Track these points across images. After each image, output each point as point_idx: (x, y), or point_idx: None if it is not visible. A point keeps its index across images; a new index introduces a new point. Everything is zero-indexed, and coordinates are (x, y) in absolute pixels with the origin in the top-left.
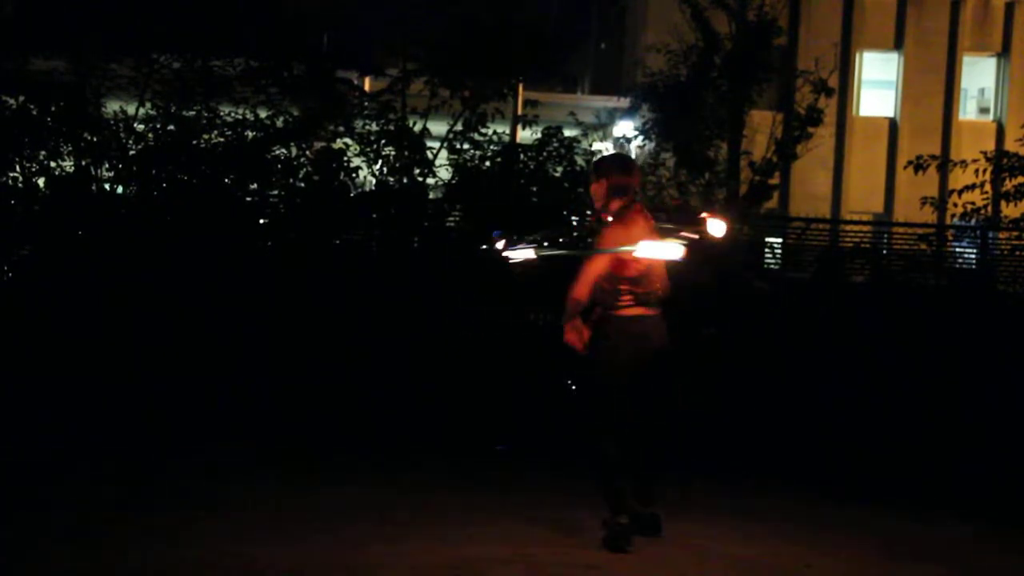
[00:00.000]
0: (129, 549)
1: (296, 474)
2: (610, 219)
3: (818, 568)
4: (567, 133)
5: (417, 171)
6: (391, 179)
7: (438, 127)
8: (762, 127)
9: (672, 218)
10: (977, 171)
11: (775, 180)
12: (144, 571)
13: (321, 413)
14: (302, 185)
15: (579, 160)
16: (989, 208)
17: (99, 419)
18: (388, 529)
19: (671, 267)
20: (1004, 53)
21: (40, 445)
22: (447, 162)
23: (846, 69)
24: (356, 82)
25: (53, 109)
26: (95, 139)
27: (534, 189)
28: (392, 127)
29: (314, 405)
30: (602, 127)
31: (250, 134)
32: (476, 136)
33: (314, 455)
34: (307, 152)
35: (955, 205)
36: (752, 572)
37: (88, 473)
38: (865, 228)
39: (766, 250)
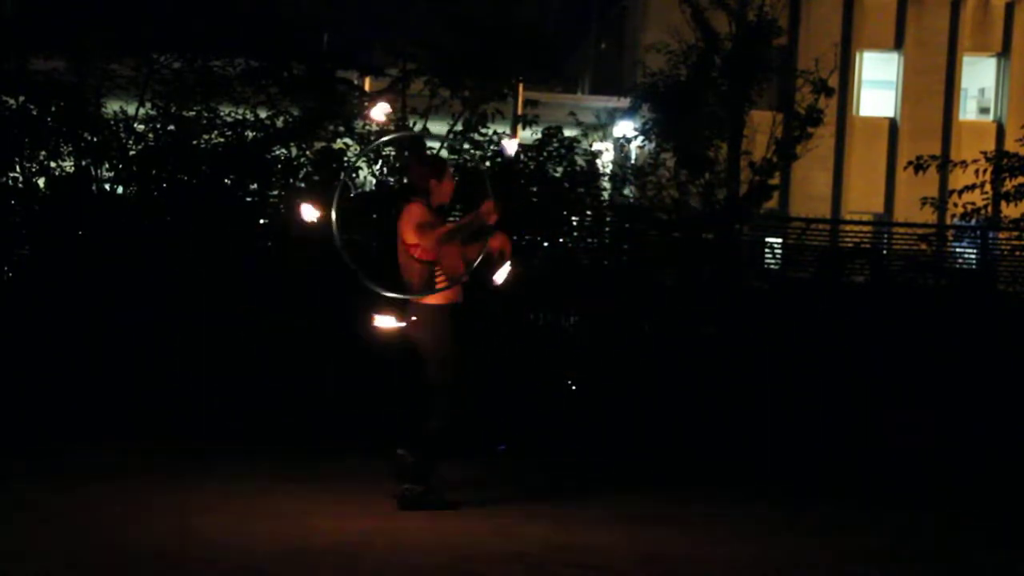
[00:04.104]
0: None
1: (295, 464)
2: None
3: (806, 567)
4: (567, 133)
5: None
6: (391, 179)
7: (438, 127)
8: (762, 127)
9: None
10: (977, 171)
11: (775, 180)
12: None
13: (322, 412)
14: (302, 185)
15: (579, 160)
16: (989, 208)
17: (96, 418)
18: (389, 524)
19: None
20: (1004, 53)
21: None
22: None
23: (846, 69)
24: (356, 82)
25: (53, 109)
26: (95, 139)
27: (534, 189)
28: (392, 127)
29: (315, 405)
30: (602, 127)
31: (250, 134)
32: (476, 136)
33: (315, 448)
34: (307, 152)
35: (955, 205)
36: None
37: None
38: (865, 228)
39: (766, 250)
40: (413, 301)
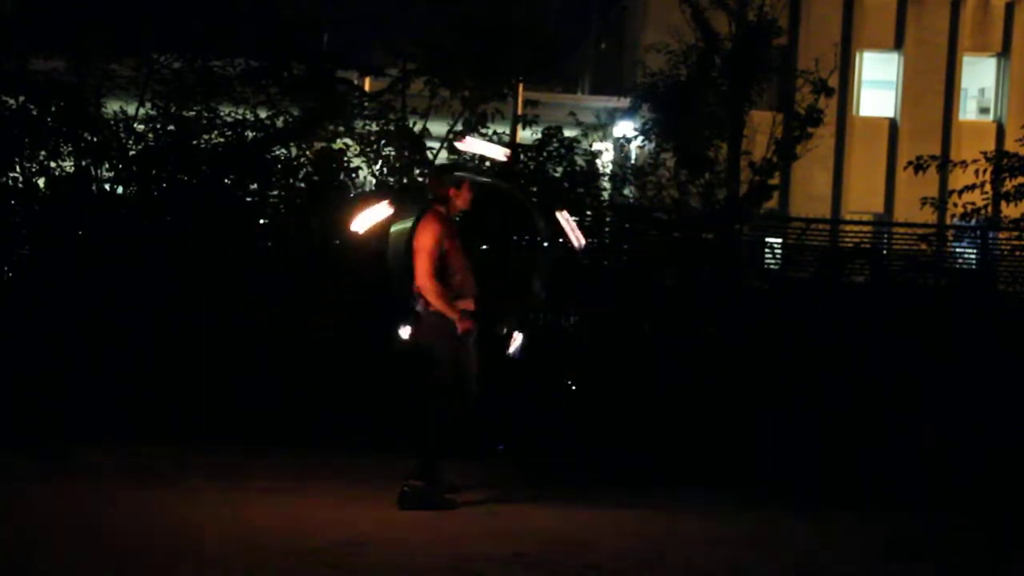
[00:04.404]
0: None
1: (304, 466)
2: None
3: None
4: (567, 133)
5: (417, 171)
6: (391, 179)
7: (438, 127)
8: (762, 127)
9: None
10: (977, 171)
11: (775, 180)
12: None
13: (322, 411)
14: (302, 185)
15: (579, 160)
16: (989, 208)
17: (96, 418)
18: (387, 523)
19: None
20: (1004, 53)
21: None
22: (447, 162)
23: (846, 69)
24: (356, 82)
25: (53, 109)
26: (95, 139)
27: (534, 189)
28: (392, 127)
29: (314, 404)
30: (602, 127)
31: (250, 134)
32: (476, 136)
33: (314, 447)
34: (307, 152)
35: (955, 205)
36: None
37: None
38: (865, 228)
39: (766, 250)
40: (421, 304)
